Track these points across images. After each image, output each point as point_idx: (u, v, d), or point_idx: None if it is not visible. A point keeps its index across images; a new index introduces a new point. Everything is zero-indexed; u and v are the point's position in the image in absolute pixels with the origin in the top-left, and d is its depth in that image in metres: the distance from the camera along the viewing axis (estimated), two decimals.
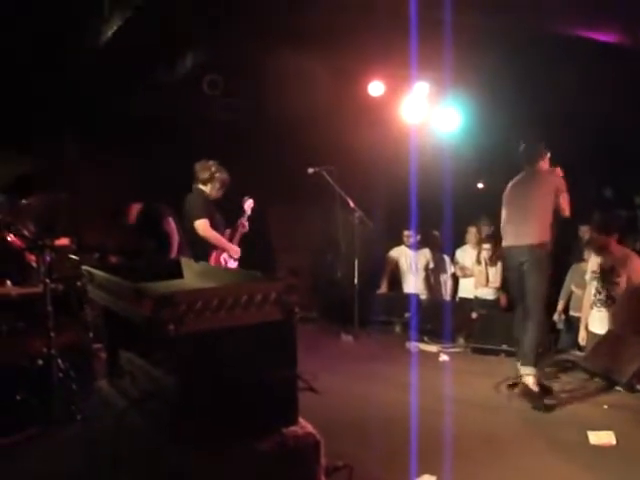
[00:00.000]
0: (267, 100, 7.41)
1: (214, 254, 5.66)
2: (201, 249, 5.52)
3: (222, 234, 5.77)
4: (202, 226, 5.53)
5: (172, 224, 6.48)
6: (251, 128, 7.84)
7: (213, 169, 5.70)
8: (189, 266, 3.41)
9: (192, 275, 3.33)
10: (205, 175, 5.68)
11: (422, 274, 7.97)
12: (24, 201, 4.78)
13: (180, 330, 2.27)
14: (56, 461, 3.62)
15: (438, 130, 8.16)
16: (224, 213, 6.04)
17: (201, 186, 5.72)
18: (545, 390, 4.83)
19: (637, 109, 6.62)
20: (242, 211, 6.07)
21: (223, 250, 5.71)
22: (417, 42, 5.84)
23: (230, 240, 5.86)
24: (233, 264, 5.81)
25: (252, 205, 6.13)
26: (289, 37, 6.09)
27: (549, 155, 5.31)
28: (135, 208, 6.54)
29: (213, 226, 5.66)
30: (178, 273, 3.38)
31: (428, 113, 7.98)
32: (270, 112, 7.60)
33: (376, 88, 7.70)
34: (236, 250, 5.83)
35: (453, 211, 7.43)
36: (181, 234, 5.86)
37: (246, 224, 6.03)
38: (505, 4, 5.73)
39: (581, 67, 6.52)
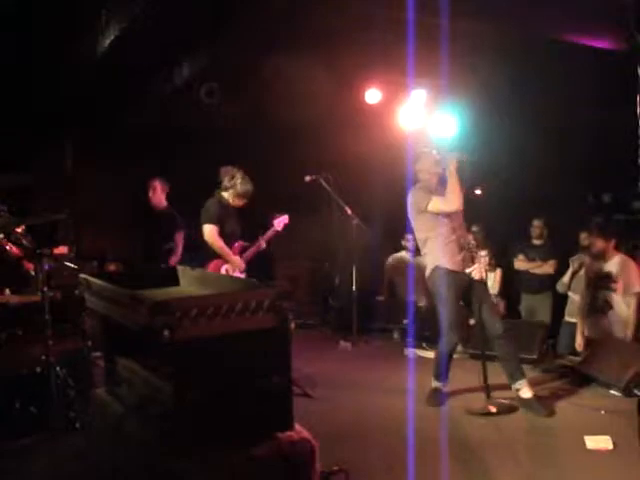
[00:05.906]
0: (264, 108, 7.43)
1: (213, 262, 5.48)
2: (201, 254, 5.45)
3: (232, 244, 5.51)
4: (207, 232, 5.35)
5: (181, 238, 6.61)
6: (248, 136, 7.86)
7: (235, 177, 5.47)
8: (186, 273, 3.43)
9: (188, 282, 3.35)
10: (227, 182, 5.47)
11: (420, 280, 7.96)
12: (24, 219, 4.76)
13: (176, 337, 2.30)
14: (54, 469, 3.63)
15: (435, 137, 8.18)
16: (249, 225, 5.78)
17: (222, 192, 5.52)
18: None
19: (633, 114, 6.64)
20: (269, 226, 5.76)
21: (226, 261, 5.48)
22: (414, 49, 5.86)
23: (241, 253, 5.59)
24: (239, 276, 5.51)
25: (287, 222, 5.80)
26: (286, 45, 6.11)
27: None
28: (159, 187, 6.78)
29: (223, 234, 5.43)
30: (174, 280, 3.40)
31: (425, 120, 8.00)
32: (267, 120, 7.62)
33: (373, 95, 7.71)
34: (239, 263, 5.53)
35: None
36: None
37: (264, 244, 5.72)
38: (502, 11, 5.76)
39: (577, 73, 6.55)
